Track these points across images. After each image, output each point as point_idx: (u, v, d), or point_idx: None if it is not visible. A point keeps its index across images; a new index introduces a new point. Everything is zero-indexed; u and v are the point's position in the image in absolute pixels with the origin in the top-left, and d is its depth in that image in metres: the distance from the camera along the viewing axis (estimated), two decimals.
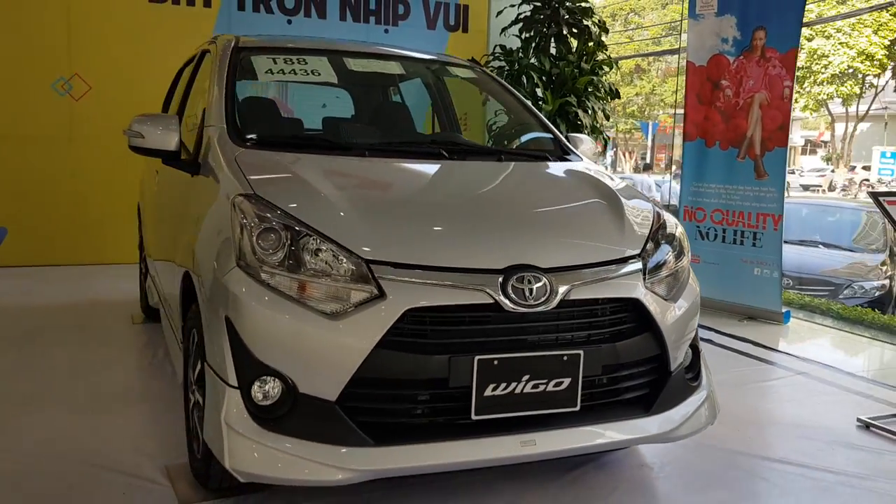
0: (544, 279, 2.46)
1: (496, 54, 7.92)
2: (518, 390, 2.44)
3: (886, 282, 9.26)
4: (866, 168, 33.45)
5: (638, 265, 2.69)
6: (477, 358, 2.37)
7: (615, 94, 7.97)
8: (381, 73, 4.00)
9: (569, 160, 3.49)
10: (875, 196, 3.49)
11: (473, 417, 2.41)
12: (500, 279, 2.43)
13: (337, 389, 2.31)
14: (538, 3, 7.85)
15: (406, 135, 3.89)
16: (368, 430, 2.34)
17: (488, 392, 2.40)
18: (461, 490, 2.85)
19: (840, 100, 30.43)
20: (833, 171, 35.09)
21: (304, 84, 3.90)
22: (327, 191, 2.65)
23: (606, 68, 7.94)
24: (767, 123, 5.83)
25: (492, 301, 2.39)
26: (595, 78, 7.67)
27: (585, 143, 3.83)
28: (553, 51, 7.94)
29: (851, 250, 10.19)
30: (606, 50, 8.04)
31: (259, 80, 3.45)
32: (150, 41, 7.25)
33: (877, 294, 9.02)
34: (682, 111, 6.64)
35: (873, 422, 3.67)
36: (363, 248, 2.40)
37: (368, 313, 2.31)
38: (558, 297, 2.46)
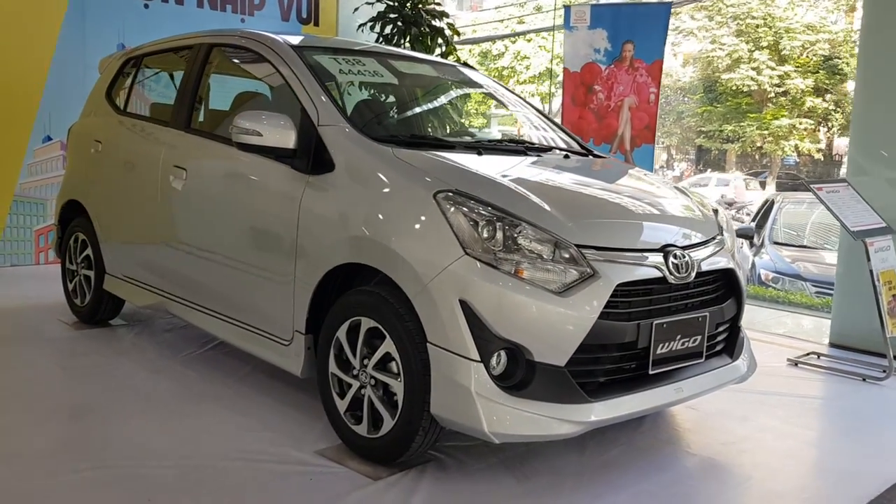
0: (687, 255, 3.03)
1: None
2: (673, 347, 2.98)
3: None
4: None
5: (722, 244, 3.35)
6: (654, 322, 2.88)
7: None
8: (423, 76, 4.23)
9: (603, 157, 4.05)
10: (807, 184, 4.54)
11: (650, 372, 2.91)
12: (662, 256, 2.95)
13: (567, 356, 2.69)
14: (393, 3, 8.24)
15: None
16: (582, 388, 2.75)
17: (659, 350, 2.92)
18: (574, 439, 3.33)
19: (539, 98, 33.14)
20: None
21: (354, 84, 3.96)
22: (510, 185, 2.96)
23: None
24: (636, 123, 6.86)
25: (660, 275, 2.91)
26: None
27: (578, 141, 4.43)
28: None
29: None
30: (457, 51, 8.67)
31: (338, 80, 3.51)
32: None
33: None
34: None
35: (799, 360, 4.74)
36: (568, 234, 2.79)
37: (590, 289, 2.71)
38: (695, 270, 3.05)
